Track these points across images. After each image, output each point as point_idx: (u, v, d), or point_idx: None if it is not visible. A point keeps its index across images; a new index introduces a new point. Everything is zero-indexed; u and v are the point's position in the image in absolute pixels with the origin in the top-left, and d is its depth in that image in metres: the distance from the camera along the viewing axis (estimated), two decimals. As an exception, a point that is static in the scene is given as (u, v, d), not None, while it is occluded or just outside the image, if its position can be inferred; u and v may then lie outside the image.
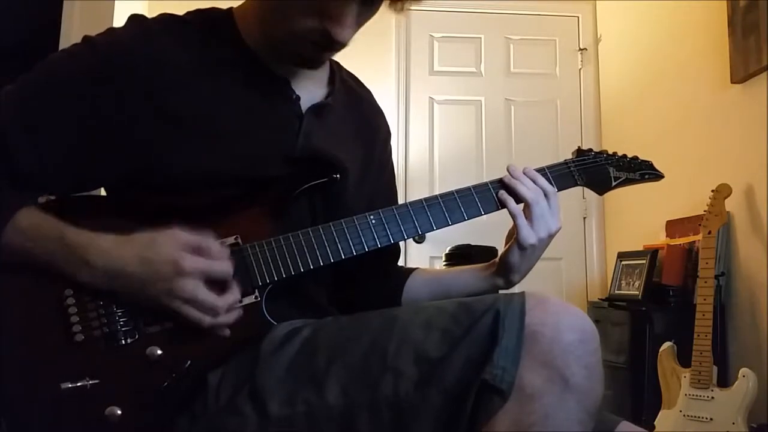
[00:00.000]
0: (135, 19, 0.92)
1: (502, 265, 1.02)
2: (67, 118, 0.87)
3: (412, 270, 1.13)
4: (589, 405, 0.71)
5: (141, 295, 0.82)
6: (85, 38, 0.91)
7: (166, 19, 0.93)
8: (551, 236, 0.99)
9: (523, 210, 0.98)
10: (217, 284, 0.83)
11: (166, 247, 0.82)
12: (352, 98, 1.10)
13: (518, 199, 0.98)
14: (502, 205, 0.98)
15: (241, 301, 0.86)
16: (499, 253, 1.03)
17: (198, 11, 0.96)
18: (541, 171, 1.02)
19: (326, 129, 1.00)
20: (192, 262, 0.81)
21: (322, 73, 1.04)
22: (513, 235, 0.99)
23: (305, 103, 0.98)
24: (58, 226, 0.84)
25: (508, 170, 1.00)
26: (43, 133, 0.87)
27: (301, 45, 0.89)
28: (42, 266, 0.83)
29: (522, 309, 0.74)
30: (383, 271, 1.10)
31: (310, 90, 1.00)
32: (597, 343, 0.74)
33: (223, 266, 0.84)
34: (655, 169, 1.11)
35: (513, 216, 0.98)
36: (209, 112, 0.90)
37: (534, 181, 0.99)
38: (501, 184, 0.99)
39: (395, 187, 1.19)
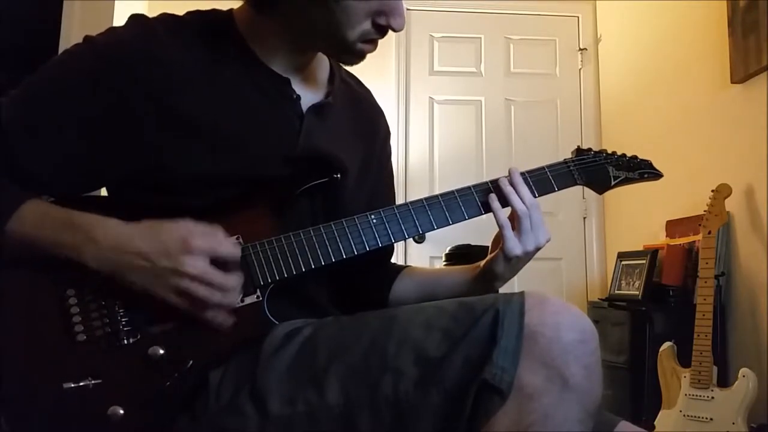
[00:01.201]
0: (136, 19, 0.92)
1: (486, 273, 1.01)
2: (67, 119, 0.87)
3: (402, 268, 1.13)
4: (588, 405, 0.71)
5: (145, 274, 0.81)
6: (86, 38, 0.91)
7: (167, 19, 0.94)
8: (539, 248, 0.98)
9: (512, 221, 0.97)
10: (223, 268, 0.83)
11: (175, 226, 0.83)
12: (352, 98, 1.10)
13: (507, 206, 0.97)
14: (487, 211, 0.97)
15: (242, 301, 0.87)
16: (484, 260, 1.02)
17: (198, 12, 0.97)
18: (540, 170, 1.02)
19: (327, 129, 1.00)
20: (201, 241, 0.82)
21: (323, 73, 1.05)
22: (500, 243, 0.98)
23: (306, 103, 0.98)
24: (66, 211, 0.85)
25: (509, 173, 0.98)
26: (44, 134, 0.87)
27: (362, 45, 0.92)
28: (48, 252, 0.83)
29: (521, 309, 0.74)
30: (375, 269, 1.10)
31: (311, 90, 1.01)
32: (596, 342, 0.74)
33: (231, 248, 0.84)
34: (654, 168, 1.11)
35: (500, 226, 0.96)
36: (210, 112, 0.90)
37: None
38: (495, 188, 0.98)
39: (393, 187, 1.20)
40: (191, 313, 0.83)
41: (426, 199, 0.96)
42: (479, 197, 0.98)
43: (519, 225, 0.96)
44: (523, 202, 0.96)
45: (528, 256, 0.98)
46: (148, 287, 0.82)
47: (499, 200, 0.97)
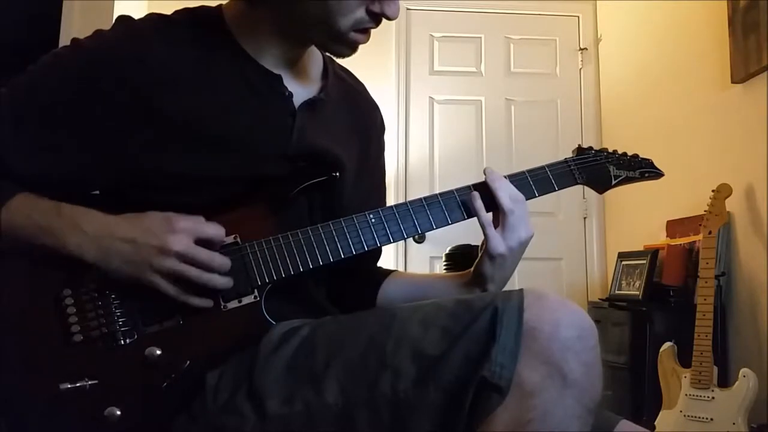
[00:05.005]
0: (122, 21, 0.92)
1: (476, 276, 0.99)
2: (55, 121, 0.88)
3: (389, 272, 1.12)
4: (587, 401, 0.71)
5: (129, 259, 0.82)
6: (74, 41, 0.91)
7: (153, 19, 0.93)
8: (522, 244, 0.96)
9: (498, 219, 0.95)
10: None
11: (159, 212, 0.85)
12: (347, 92, 1.09)
13: (492, 206, 0.95)
14: (475, 213, 0.95)
15: (240, 301, 0.86)
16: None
17: (186, 10, 0.96)
18: (540, 169, 1.01)
19: (320, 124, 0.99)
20: (184, 222, 0.83)
21: (315, 68, 1.04)
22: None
23: (298, 99, 0.97)
24: (55, 203, 0.86)
25: (485, 173, 0.97)
26: (32, 136, 0.87)
27: (355, 35, 0.91)
28: (33, 240, 0.84)
29: (520, 306, 0.74)
30: (362, 271, 1.08)
31: (303, 86, 1.00)
32: (595, 339, 0.73)
33: (216, 228, 0.85)
34: (656, 168, 1.10)
35: (483, 226, 0.95)
36: (201, 112, 0.90)
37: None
38: (483, 187, 0.96)
39: (385, 183, 1.19)
40: (180, 298, 0.83)
41: (425, 198, 0.96)
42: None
43: (506, 221, 0.94)
44: (509, 198, 0.95)
45: (513, 253, 0.95)
46: (132, 273, 0.82)
47: (483, 199, 0.95)
